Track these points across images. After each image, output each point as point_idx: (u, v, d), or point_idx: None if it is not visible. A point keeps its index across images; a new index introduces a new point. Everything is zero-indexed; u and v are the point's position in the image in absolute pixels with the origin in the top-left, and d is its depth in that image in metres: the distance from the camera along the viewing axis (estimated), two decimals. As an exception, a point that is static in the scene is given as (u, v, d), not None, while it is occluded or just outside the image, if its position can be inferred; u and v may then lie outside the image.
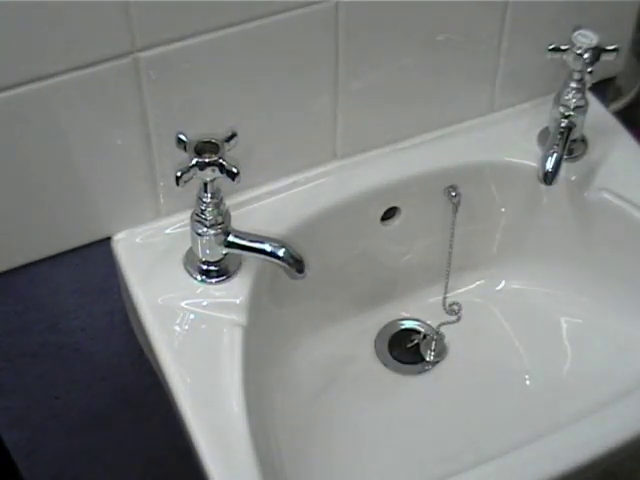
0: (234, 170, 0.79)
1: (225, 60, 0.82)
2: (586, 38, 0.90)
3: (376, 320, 1.03)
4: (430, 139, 0.99)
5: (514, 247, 1.03)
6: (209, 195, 0.82)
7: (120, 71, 0.78)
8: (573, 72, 0.92)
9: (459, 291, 1.04)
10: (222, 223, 0.84)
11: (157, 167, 0.87)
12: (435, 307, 1.03)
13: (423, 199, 0.98)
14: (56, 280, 0.92)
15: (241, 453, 0.77)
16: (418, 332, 1.03)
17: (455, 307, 1.04)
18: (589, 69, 0.90)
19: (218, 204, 0.83)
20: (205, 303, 0.86)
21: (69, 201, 0.85)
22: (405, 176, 0.96)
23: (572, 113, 0.93)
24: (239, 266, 0.88)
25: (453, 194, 0.97)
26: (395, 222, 0.99)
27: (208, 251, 0.86)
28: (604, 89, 1.05)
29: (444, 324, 1.02)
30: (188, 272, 0.88)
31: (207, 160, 0.79)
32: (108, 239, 0.90)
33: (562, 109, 0.93)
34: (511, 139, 0.99)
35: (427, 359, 1.01)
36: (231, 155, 0.80)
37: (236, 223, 0.86)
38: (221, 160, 0.79)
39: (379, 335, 1.02)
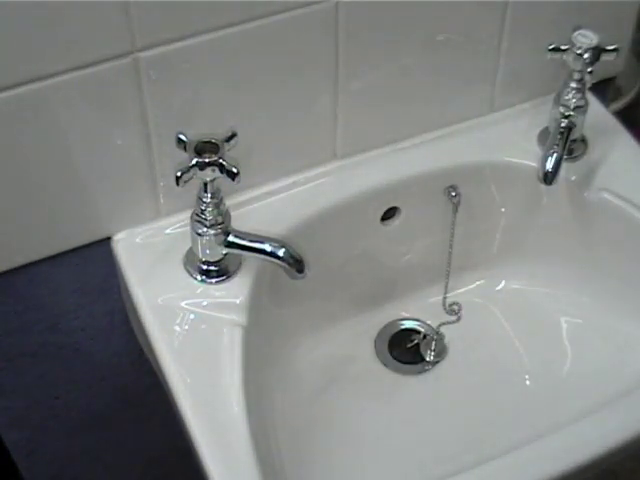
0: (234, 170, 0.79)
1: (225, 60, 0.82)
2: (586, 38, 0.90)
3: (376, 320, 1.03)
4: (430, 139, 0.99)
5: (514, 247, 1.03)
6: (209, 195, 0.82)
7: (120, 71, 0.78)
8: (573, 72, 0.92)
9: (459, 291, 1.04)
10: (222, 223, 0.84)
11: (157, 167, 0.87)
12: (435, 307, 1.03)
13: (423, 199, 0.98)
14: (56, 280, 0.92)
15: (241, 453, 0.77)
16: (418, 332, 1.03)
17: (455, 307, 1.04)
18: (589, 69, 0.90)
19: (218, 204, 0.83)
20: (205, 303, 0.86)
21: (69, 201, 0.85)
22: (405, 176, 0.96)
23: (572, 113, 0.93)
24: (239, 266, 0.88)
25: (453, 194, 0.97)
26: (395, 222, 0.99)
27: (208, 251, 0.86)
28: (604, 89, 1.05)
29: (444, 324, 1.02)
30: (188, 272, 0.88)
31: (207, 160, 0.79)
32: (108, 239, 0.90)
33: (562, 109, 0.93)
34: (511, 139, 0.99)
35: (427, 359, 1.01)
36: (231, 155, 0.80)
37: (236, 223, 0.86)
38: (221, 160, 0.79)
39: (379, 335, 1.02)
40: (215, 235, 0.84)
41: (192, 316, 0.86)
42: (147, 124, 0.83)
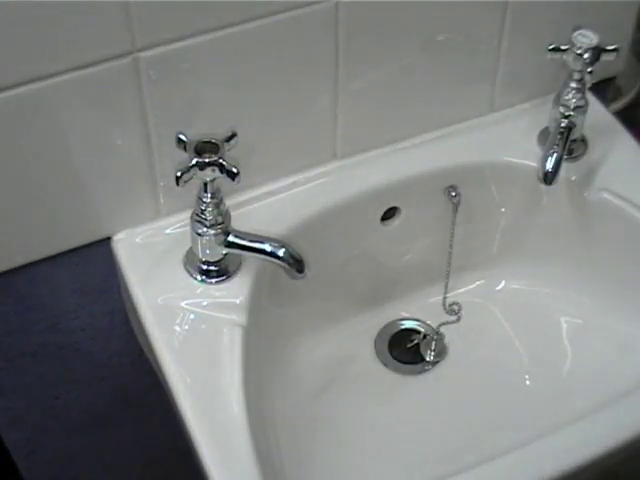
0: (234, 170, 0.79)
1: (225, 60, 0.82)
2: (586, 38, 0.90)
3: (376, 320, 1.03)
4: (430, 139, 0.99)
5: (514, 247, 1.03)
6: (209, 195, 0.82)
7: (120, 71, 0.78)
8: (573, 72, 0.92)
9: (459, 291, 1.04)
10: (222, 223, 0.84)
11: (157, 167, 0.87)
12: (435, 307, 1.03)
13: (423, 199, 0.98)
14: (56, 280, 0.92)
15: (241, 453, 0.77)
16: (418, 332, 1.03)
17: (455, 307, 1.04)
18: (589, 69, 0.90)
19: (218, 204, 0.83)
20: (205, 303, 0.86)
21: (69, 201, 0.85)
22: (405, 176, 0.96)
23: (572, 113, 0.93)
24: (239, 266, 0.88)
25: (453, 194, 0.97)
26: (395, 222, 0.99)
27: (208, 251, 0.86)
28: (604, 89, 1.05)
29: (444, 324, 1.02)
30: (188, 272, 0.88)
31: (207, 160, 0.79)
32: (108, 239, 0.90)
33: (562, 109, 0.93)
34: (511, 139, 0.99)
35: (427, 359, 1.01)
36: (231, 155, 0.80)
37: (236, 223, 0.86)
38: (221, 160, 0.79)
39: (379, 335, 1.02)
40: (215, 235, 0.84)
41: (192, 316, 0.86)
42: (147, 124, 0.83)
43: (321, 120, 0.92)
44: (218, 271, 0.87)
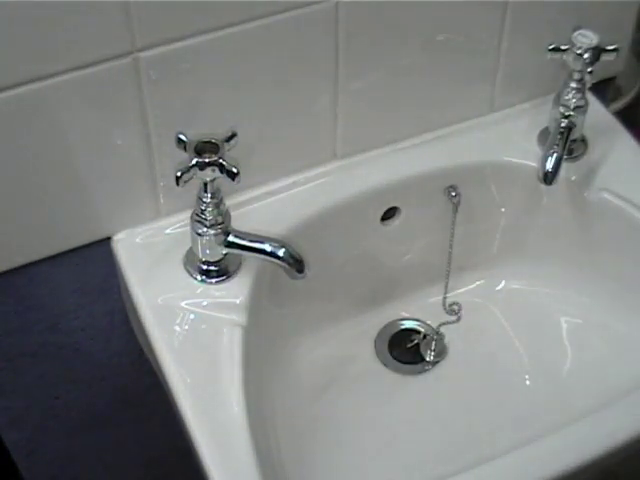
0: (234, 170, 0.79)
1: (225, 60, 0.82)
2: (586, 38, 0.90)
3: (376, 320, 1.03)
4: (430, 139, 0.99)
5: (514, 247, 1.03)
6: (209, 195, 0.82)
7: (120, 71, 0.78)
8: (573, 72, 0.92)
9: (459, 291, 1.04)
10: (222, 223, 0.84)
11: (157, 167, 0.87)
12: (435, 307, 1.03)
13: (423, 199, 0.98)
14: (56, 280, 0.92)
15: (241, 453, 0.77)
16: (418, 332, 1.03)
17: (455, 307, 1.04)
18: (589, 69, 0.90)
19: (218, 204, 0.83)
20: (205, 303, 0.86)
21: (69, 201, 0.85)
22: (405, 176, 0.96)
23: (572, 113, 0.93)
24: (239, 266, 0.88)
25: (453, 194, 0.97)
26: (395, 222, 0.99)
27: (208, 251, 0.86)
28: (604, 89, 1.05)
29: (444, 324, 1.02)
30: (188, 272, 0.88)
31: (207, 160, 0.79)
32: (108, 239, 0.90)
33: (562, 109, 0.93)
34: (511, 139, 0.99)
35: (427, 359, 1.01)
36: (231, 155, 0.80)
37: (236, 223, 0.86)
38: (221, 160, 0.79)
39: (379, 335, 1.02)
40: (215, 235, 0.84)
41: (192, 316, 0.86)
42: (147, 124, 0.83)
43: (321, 120, 0.92)
44: (218, 271, 0.87)
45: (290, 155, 0.93)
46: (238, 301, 0.86)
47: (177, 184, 0.79)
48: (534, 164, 0.95)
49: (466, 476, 0.78)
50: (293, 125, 0.91)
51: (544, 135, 0.98)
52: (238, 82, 0.84)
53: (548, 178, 0.89)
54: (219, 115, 0.85)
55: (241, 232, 0.85)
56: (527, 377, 0.99)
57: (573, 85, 0.92)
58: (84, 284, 0.94)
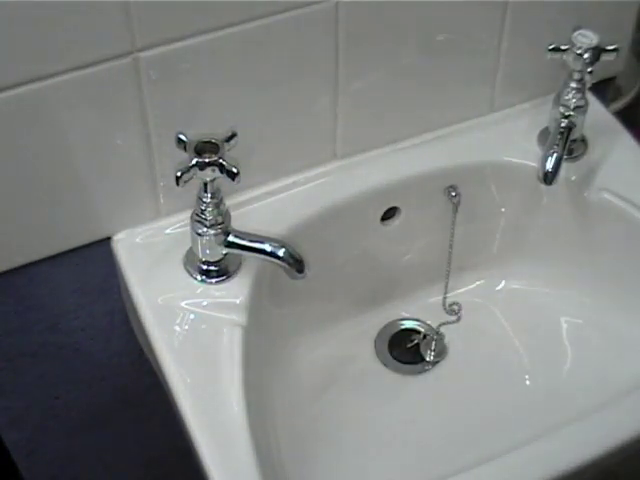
0: (234, 170, 0.79)
1: (225, 60, 0.82)
2: (586, 38, 0.90)
3: (376, 320, 1.03)
4: (430, 139, 0.99)
5: (514, 247, 1.03)
6: (209, 195, 0.82)
7: (120, 71, 0.78)
8: (573, 72, 0.92)
9: (459, 291, 1.04)
10: (222, 223, 0.84)
11: (157, 167, 0.87)
12: (435, 307, 1.03)
13: (423, 199, 0.98)
14: (56, 280, 0.92)
15: (241, 453, 0.77)
16: (418, 332, 1.03)
17: (455, 307, 1.04)
18: (589, 69, 0.90)
19: (218, 204, 0.83)
20: (205, 303, 0.86)
21: (69, 201, 0.85)
22: (405, 176, 0.96)
23: (572, 113, 0.93)
24: (239, 266, 0.88)
25: (453, 194, 0.97)
26: (395, 222, 0.99)
27: (208, 251, 0.86)
28: (604, 89, 1.05)
29: (444, 324, 1.02)
30: (188, 272, 0.88)
31: (207, 160, 0.79)
32: (108, 239, 0.90)
33: (562, 109, 0.93)
34: (511, 139, 0.99)
35: (427, 359, 1.01)
36: (231, 155, 0.80)
37: (236, 223, 0.86)
38: (221, 160, 0.79)
39: (379, 335, 1.02)
40: (215, 235, 0.84)
41: (192, 316, 0.86)
42: (147, 124, 0.83)
43: (321, 120, 0.92)
44: (218, 271, 0.87)
45: (290, 155, 0.93)
46: (238, 301, 0.86)
47: (177, 184, 0.79)
48: (534, 164, 0.95)
49: (466, 476, 0.78)
50: (293, 125, 0.91)
51: (544, 135, 0.98)
52: (238, 82, 0.84)
53: (548, 178, 0.89)
54: (219, 115, 0.85)
55: (241, 232, 0.85)
56: (527, 377, 0.99)
57: (573, 85, 0.92)
58: (84, 284, 0.94)
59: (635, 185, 0.96)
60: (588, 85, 0.92)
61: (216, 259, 0.87)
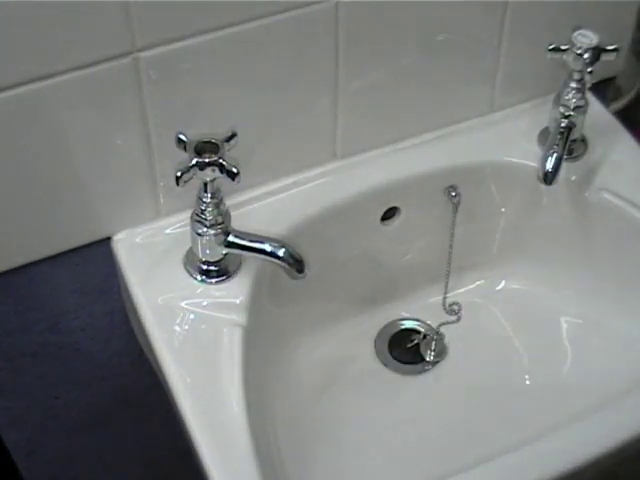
0: (234, 170, 0.79)
1: (225, 60, 0.82)
2: (586, 38, 0.90)
3: (376, 320, 1.03)
4: (430, 139, 0.99)
5: (514, 247, 1.03)
6: (209, 195, 0.82)
7: (120, 71, 0.78)
8: (573, 72, 0.92)
9: (459, 291, 1.04)
10: (222, 223, 0.84)
11: (157, 167, 0.87)
12: (435, 307, 1.03)
13: (423, 199, 0.98)
14: (56, 280, 0.92)
15: (241, 453, 0.77)
16: (418, 332, 1.03)
17: (455, 307, 1.04)
18: (589, 69, 0.90)
19: (218, 204, 0.83)
20: (205, 303, 0.86)
21: (69, 201, 0.85)
22: (405, 176, 0.96)
23: (572, 113, 0.93)
24: (239, 266, 0.88)
25: (453, 194, 0.97)
26: (395, 222, 0.99)
27: (208, 251, 0.86)
28: (604, 89, 1.05)
29: (444, 324, 1.02)
30: (188, 272, 0.88)
31: (207, 160, 0.79)
32: (108, 239, 0.90)
33: (562, 109, 0.93)
34: (511, 139, 0.99)
35: (427, 359, 1.01)
36: (231, 155, 0.80)
37: (236, 223, 0.86)
38: (221, 160, 0.79)
39: (379, 335, 1.02)
40: (215, 235, 0.84)
41: (192, 316, 0.86)
42: (147, 124, 0.83)
43: (321, 120, 0.92)
44: (218, 271, 0.87)
45: (290, 155, 0.93)
46: (238, 301, 0.86)
47: (177, 184, 0.79)
48: (534, 164, 0.95)
49: (466, 476, 0.78)
50: (293, 125, 0.91)
51: (544, 135, 0.98)
52: (238, 82, 0.84)
53: (548, 178, 0.89)
54: (219, 115, 0.85)
55: (241, 232, 0.85)
56: (527, 377, 0.99)
57: (573, 85, 0.92)
58: (84, 284, 0.94)
59: (635, 185, 0.96)
60: (588, 85, 0.92)
61: (216, 259, 0.87)
